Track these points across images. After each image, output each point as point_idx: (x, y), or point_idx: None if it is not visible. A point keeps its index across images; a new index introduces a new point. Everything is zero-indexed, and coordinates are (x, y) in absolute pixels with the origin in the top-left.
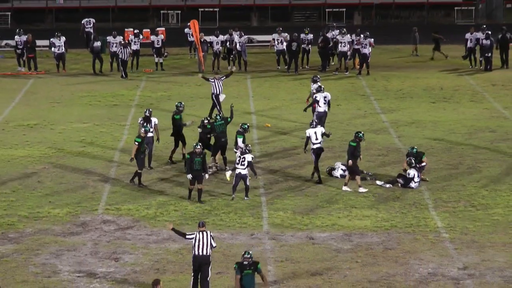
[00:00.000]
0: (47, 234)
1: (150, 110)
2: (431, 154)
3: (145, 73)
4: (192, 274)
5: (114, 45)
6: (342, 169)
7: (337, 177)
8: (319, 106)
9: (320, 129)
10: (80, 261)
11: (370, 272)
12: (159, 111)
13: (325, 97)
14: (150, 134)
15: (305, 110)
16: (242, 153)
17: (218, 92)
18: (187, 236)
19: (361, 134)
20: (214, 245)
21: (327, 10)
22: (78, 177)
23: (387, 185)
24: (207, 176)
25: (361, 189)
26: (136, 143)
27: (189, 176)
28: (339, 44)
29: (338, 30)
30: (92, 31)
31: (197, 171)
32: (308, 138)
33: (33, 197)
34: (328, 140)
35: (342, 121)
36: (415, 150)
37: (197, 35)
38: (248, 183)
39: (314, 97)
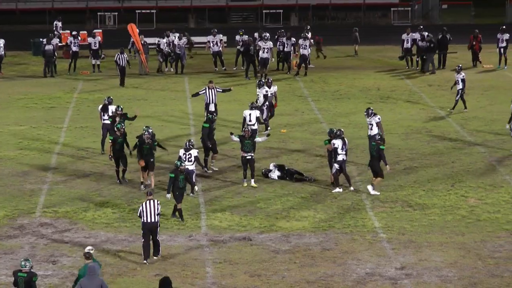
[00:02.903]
0: None
1: (111, 98)
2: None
3: (82, 75)
4: (143, 239)
5: (52, 46)
6: (278, 170)
7: (274, 178)
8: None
9: (255, 112)
10: (18, 264)
11: (308, 272)
12: (96, 114)
13: (259, 94)
14: (107, 122)
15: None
16: (187, 149)
17: (209, 101)
18: (138, 215)
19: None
20: (159, 212)
21: (264, 11)
22: (15, 179)
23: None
24: (191, 194)
25: (372, 190)
26: (110, 141)
27: (168, 196)
28: (261, 50)
29: (259, 37)
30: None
31: (182, 189)
32: (245, 119)
33: None
34: (266, 141)
35: (280, 122)
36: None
37: (137, 38)
38: (194, 179)
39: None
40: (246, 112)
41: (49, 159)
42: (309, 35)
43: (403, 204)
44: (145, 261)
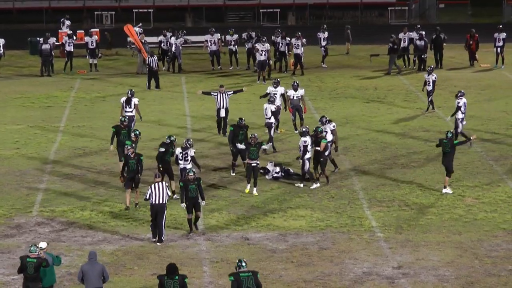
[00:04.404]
0: None
1: (133, 90)
2: (365, 153)
3: (79, 74)
4: (151, 221)
5: (49, 46)
6: (276, 172)
7: (270, 178)
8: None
9: (270, 106)
10: (15, 263)
11: (305, 272)
12: (93, 113)
13: (275, 93)
14: (130, 114)
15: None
16: (184, 148)
17: (219, 107)
18: (147, 197)
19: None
20: (169, 194)
21: (261, 10)
22: (12, 179)
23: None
24: (203, 203)
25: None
26: (128, 146)
27: (183, 205)
28: (257, 53)
29: (255, 37)
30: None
31: (193, 199)
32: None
33: None
34: (263, 141)
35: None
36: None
37: (135, 38)
38: None
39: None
40: (264, 106)
41: (46, 158)
42: (326, 34)
43: (400, 203)
44: (153, 239)
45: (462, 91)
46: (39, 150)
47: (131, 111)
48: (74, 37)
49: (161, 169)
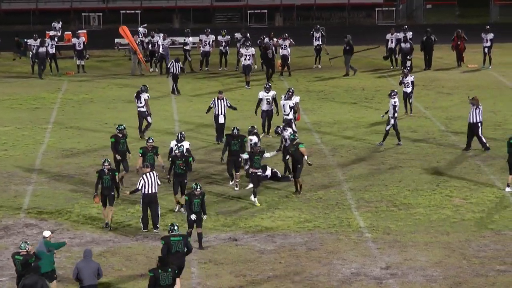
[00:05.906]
0: None
1: (146, 86)
2: (353, 154)
3: (67, 76)
4: (142, 210)
5: (35, 47)
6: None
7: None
8: (262, 105)
9: (287, 102)
10: (3, 265)
11: (293, 272)
12: (81, 114)
13: (267, 98)
14: (141, 109)
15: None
16: (178, 141)
17: (218, 113)
18: (139, 188)
19: None
20: (159, 183)
21: (248, 11)
22: (0, 180)
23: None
24: (205, 217)
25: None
26: (140, 155)
27: (193, 216)
28: (242, 57)
29: (242, 37)
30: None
31: (196, 213)
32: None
33: None
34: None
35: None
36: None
37: (130, 39)
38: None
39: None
40: (281, 102)
41: (33, 159)
42: (318, 34)
43: (388, 204)
44: (144, 230)
45: (395, 90)
46: (27, 151)
47: (142, 106)
48: (56, 39)
49: (172, 181)
